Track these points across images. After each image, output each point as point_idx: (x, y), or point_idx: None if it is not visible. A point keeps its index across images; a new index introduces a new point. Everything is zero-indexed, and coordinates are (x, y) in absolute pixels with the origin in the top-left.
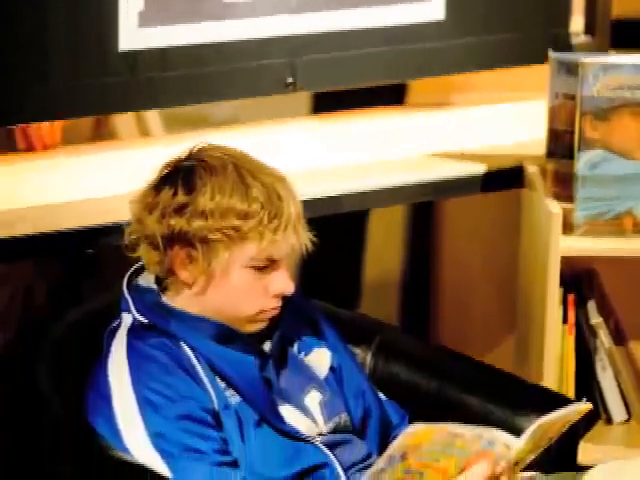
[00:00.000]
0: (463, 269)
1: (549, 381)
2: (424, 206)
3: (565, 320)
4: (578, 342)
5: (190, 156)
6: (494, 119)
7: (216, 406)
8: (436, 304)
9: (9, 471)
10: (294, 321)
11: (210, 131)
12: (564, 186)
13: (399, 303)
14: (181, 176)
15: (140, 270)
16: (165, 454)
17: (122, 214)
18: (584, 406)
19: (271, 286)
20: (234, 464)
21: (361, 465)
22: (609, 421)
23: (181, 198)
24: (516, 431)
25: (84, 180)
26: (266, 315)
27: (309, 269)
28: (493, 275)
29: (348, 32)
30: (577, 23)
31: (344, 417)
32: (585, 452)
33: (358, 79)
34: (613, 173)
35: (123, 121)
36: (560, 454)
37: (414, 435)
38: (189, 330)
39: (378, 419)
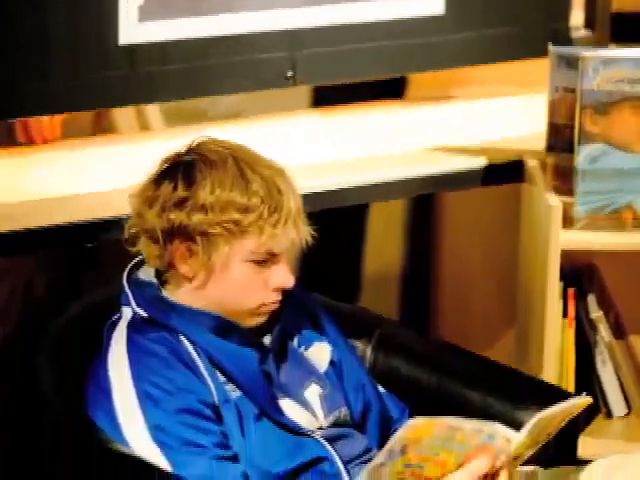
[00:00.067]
0: (463, 263)
1: (549, 375)
2: (424, 200)
3: (565, 314)
4: (578, 336)
5: (190, 150)
6: (494, 113)
7: (216, 400)
8: (436, 298)
9: (10, 465)
10: (294, 315)
11: (210, 125)
12: (564, 180)
13: (399, 297)
14: (181, 170)
15: (140, 264)
16: (165, 448)
17: (122, 208)
18: (584, 400)
19: (271, 280)
20: (234, 458)
21: (361, 459)
22: (609, 415)
23: (181, 192)
24: (516, 425)
25: (84, 174)
26: (266, 309)
27: (309, 263)
28: (493, 269)
29: (348, 26)
30: (577, 17)
31: (344, 411)
32: (585, 446)
33: (358, 73)
34: (613, 167)
35: (123, 115)
36: (560, 448)
37: (414, 429)
38: (189, 324)
39: (378, 413)
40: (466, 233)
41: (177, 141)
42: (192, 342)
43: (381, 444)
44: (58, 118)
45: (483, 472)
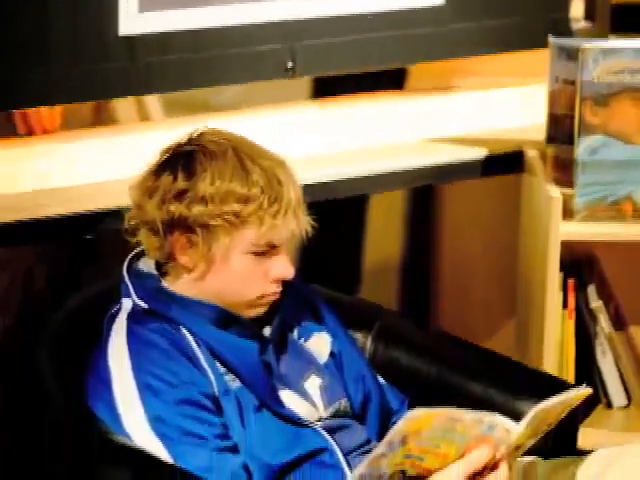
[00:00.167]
0: (463, 254)
1: (549, 366)
2: (424, 191)
3: (565, 305)
4: (578, 327)
5: (190, 141)
6: (494, 104)
7: (216, 391)
8: (436, 289)
9: (9, 457)
10: (294, 306)
11: (210, 116)
12: (564, 171)
13: (399, 288)
14: (181, 161)
15: (140, 255)
16: (165, 439)
17: (122, 199)
18: (584, 391)
19: (271, 271)
20: (234, 449)
21: (361, 450)
22: (609, 406)
23: (181, 184)
24: (516, 416)
25: (84, 165)
26: (266, 300)
27: (309, 254)
28: (493, 260)
29: (348, 17)
30: (577, 8)
31: (344, 402)
32: (585, 437)
33: (358, 64)
34: (613, 158)
35: (123, 106)
36: (560, 439)
37: (414, 420)
38: (189, 315)
39: (378, 404)
40: (466, 224)
41: (177, 132)
42: (192, 333)
43: (381, 435)
44: (58, 109)
45: (483, 463)
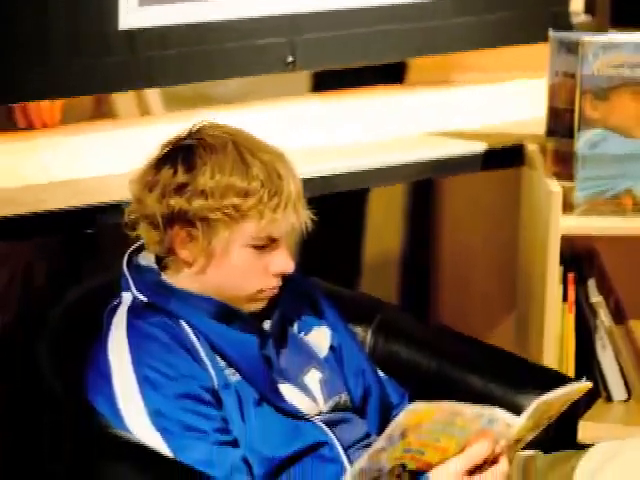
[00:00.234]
0: (463, 248)
1: (549, 359)
2: (424, 185)
3: (565, 299)
4: (578, 321)
5: (190, 135)
6: (494, 97)
7: (216, 385)
8: (436, 283)
9: (10, 451)
10: (294, 300)
11: (210, 109)
12: (564, 165)
13: (399, 282)
14: (181, 155)
15: (140, 249)
16: (165, 432)
17: (122, 193)
18: (584, 385)
19: (271, 265)
20: (234, 443)
21: (361, 444)
22: (609, 399)
23: (181, 177)
24: (516, 410)
25: (84, 159)
26: (266, 294)
27: (309, 248)
28: (493, 254)
29: (348, 11)
30: (577, 2)
31: (344, 396)
32: (585, 430)
33: (358, 58)
34: (613, 152)
35: (123, 99)
36: (560, 432)
37: (414, 414)
38: (189, 309)
39: (378, 398)
40: (466, 218)
41: (177, 126)
42: (192, 327)
43: (381, 429)
44: (58, 103)
45: (483, 457)
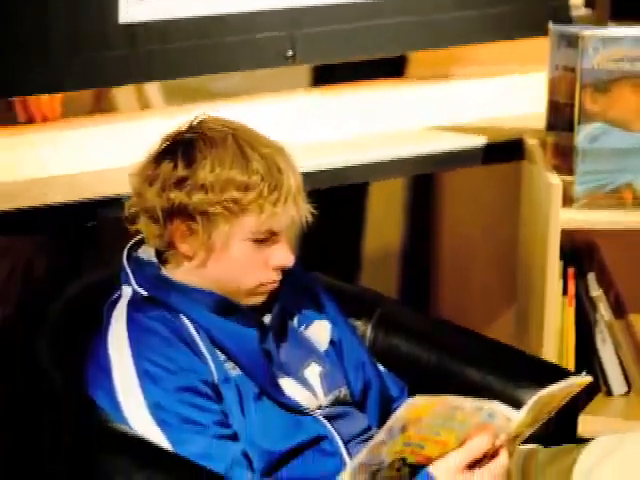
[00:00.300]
0: (463, 241)
1: (549, 353)
2: (424, 178)
3: (565, 292)
4: (578, 315)
5: (190, 128)
6: (494, 91)
7: (216, 379)
8: (436, 277)
9: (9, 445)
10: (294, 294)
11: (210, 103)
12: (564, 159)
13: (399, 276)
14: (181, 149)
15: (140, 243)
16: (165, 426)
17: (122, 187)
18: (584, 379)
19: (271, 259)
20: (234, 437)
21: (361, 438)
22: (609, 393)
23: (181, 171)
24: (516, 404)
25: (84, 152)
26: (266, 288)
27: (309, 242)
28: (493, 247)
29: (348, 4)
30: None
31: (344, 390)
32: (585, 424)
33: (358, 51)
34: (613, 146)
35: (123, 93)
36: (560, 426)
37: (414, 407)
38: (189, 302)
39: (378, 392)
40: (466, 212)
41: (177, 119)
42: (192, 321)
43: (381, 423)
44: (58, 97)
45: (483, 451)
